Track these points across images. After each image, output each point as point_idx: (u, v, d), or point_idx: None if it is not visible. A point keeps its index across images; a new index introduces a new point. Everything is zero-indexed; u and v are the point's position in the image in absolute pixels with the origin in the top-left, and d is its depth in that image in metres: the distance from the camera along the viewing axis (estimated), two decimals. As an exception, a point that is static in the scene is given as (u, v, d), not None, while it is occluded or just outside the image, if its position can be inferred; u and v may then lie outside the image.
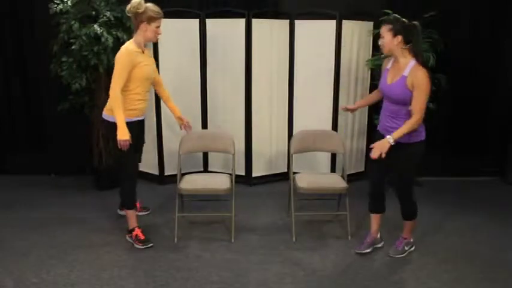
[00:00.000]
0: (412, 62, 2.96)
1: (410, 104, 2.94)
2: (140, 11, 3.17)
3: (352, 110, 3.57)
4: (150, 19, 3.20)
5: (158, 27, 3.26)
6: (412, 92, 2.91)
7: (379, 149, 2.91)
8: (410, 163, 3.10)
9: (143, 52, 3.30)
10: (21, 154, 4.94)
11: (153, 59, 3.49)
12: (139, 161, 3.75)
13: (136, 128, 3.38)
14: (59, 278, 2.96)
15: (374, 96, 3.43)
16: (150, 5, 3.22)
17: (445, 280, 2.98)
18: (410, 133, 2.97)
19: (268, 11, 4.59)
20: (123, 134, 3.18)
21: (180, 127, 3.78)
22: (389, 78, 3.05)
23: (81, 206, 4.13)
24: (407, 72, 2.93)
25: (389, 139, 2.92)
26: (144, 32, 3.24)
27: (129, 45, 3.23)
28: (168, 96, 3.73)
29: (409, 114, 2.96)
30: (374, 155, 2.92)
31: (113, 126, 3.23)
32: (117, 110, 3.17)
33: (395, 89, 2.98)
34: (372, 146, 2.98)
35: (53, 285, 2.88)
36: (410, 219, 3.29)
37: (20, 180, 4.79)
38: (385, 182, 3.31)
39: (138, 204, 3.82)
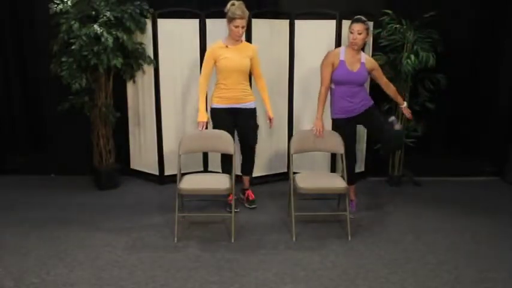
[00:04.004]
0: (362, 52, 3.80)
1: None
2: (226, 11, 3.68)
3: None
4: (229, 19, 3.69)
5: (237, 26, 3.66)
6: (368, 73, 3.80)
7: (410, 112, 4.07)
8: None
9: (227, 47, 3.75)
10: (21, 154, 4.94)
11: (243, 53, 3.79)
12: (251, 144, 4.03)
13: (223, 113, 3.83)
14: (59, 278, 2.96)
15: (324, 99, 3.84)
16: (234, 6, 3.67)
17: (445, 280, 2.98)
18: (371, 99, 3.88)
19: (268, 11, 4.59)
20: (198, 117, 3.78)
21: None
22: (350, 67, 3.70)
23: (81, 206, 4.13)
24: (364, 60, 3.75)
25: (405, 104, 4.05)
26: (229, 30, 3.73)
27: (215, 42, 3.82)
28: (262, 88, 4.01)
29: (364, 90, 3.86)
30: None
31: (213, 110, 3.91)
32: (199, 97, 3.80)
33: (362, 74, 3.73)
34: (410, 117, 4.08)
35: (53, 285, 2.88)
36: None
37: (20, 180, 4.78)
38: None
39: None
